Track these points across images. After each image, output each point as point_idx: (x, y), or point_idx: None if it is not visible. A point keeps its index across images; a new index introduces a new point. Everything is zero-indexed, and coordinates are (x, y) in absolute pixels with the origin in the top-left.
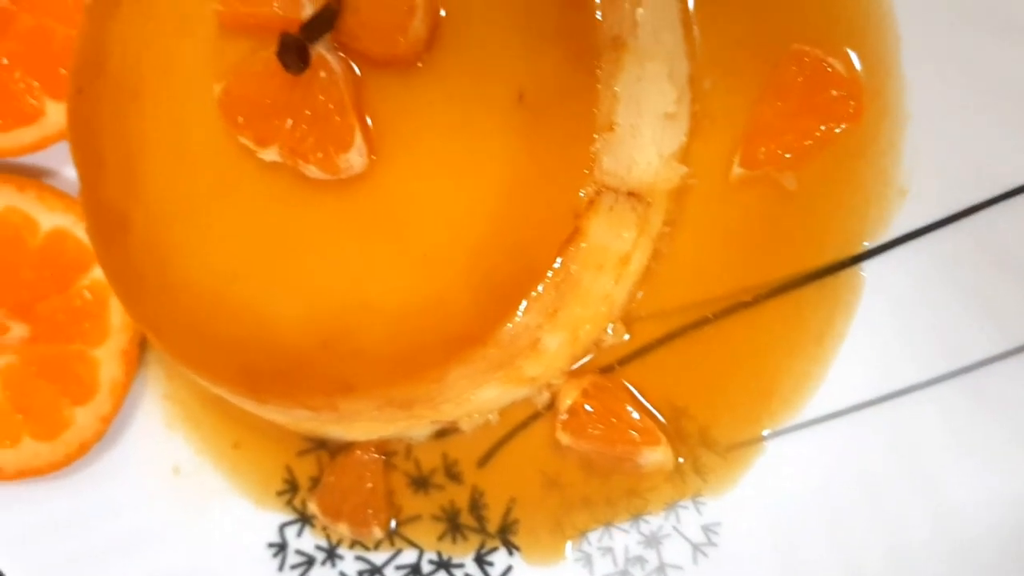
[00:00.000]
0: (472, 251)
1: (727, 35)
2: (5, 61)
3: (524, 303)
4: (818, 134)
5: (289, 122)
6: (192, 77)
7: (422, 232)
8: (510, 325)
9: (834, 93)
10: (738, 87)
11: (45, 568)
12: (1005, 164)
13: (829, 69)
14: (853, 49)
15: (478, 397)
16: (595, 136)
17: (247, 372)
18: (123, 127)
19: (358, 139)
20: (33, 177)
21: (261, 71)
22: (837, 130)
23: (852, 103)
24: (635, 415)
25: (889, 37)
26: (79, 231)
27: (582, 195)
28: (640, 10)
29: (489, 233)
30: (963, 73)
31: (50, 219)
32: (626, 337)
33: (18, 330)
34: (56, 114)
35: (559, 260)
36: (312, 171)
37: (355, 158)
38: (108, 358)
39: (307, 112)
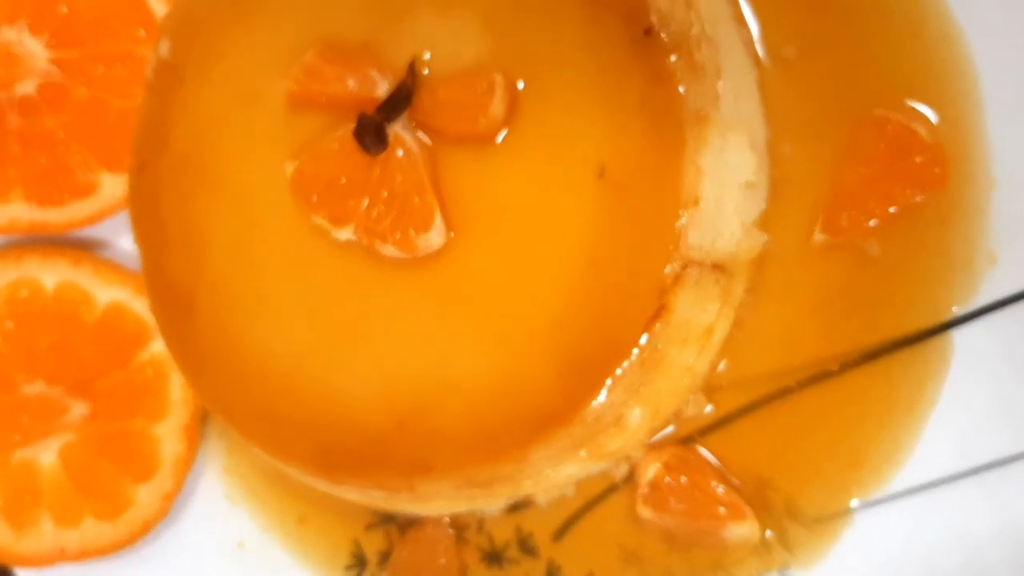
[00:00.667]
0: (554, 328)
1: (805, 99)
2: (61, 135)
3: (609, 381)
4: (902, 200)
5: (366, 202)
6: (260, 154)
7: (502, 309)
8: (594, 403)
9: (918, 159)
10: (818, 152)
11: None
12: None
13: (912, 135)
14: (936, 112)
15: (557, 473)
16: (681, 212)
17: (321, 452)
18: (188, 204)
19: (437, 220)
20: (87, 249)
21: (337, 150)
22: (921, 197)
23: (937, 169)
24: (719, 489)
25: (973, 100)
26: (136, 304)
27: (667, 271)
28: (721, 82)
29: (571, 310)
30: None
31: (107, 293)
32: (708, 408)
33: (78, 409)
34: (111, 187)
35: (645, 337)
36: (389, 250)
37: (434, 237)
38: (169, 434)
39: (384, 193)
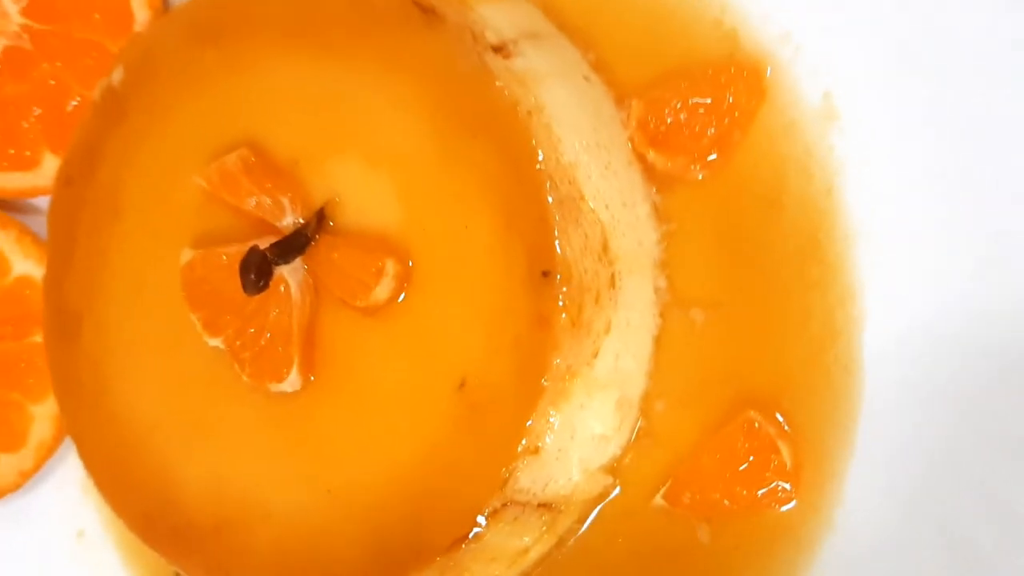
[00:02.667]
0: (371, 509)
1: (694, 369)
2: (15, 103)
3: None
4: (744, 504)
5: (236, 326)
6: (170, 221)
7: (334, 467)
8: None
9: (770, 476)
10: (688, 421)
11: None
12: None
13: (775, 452)
14: (808, 442)
15: None
16: (516, 462)
17: (144, 517)
18: (98, 235)
19: (292, 374)
20: (21, 216)
21: (226, 264)
22: (767, 504)
23: (788, 492)
24: None
25: (843, 451)
26: None
27: (482, 518)
28: (607, 339)
29: (393, 499)
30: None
31: (23, 265)
32: None
33: None
34: (52, 167)
35: (446, 555)
36: (245, 378)
37: (285, 387)
38: (42, 417)
39: (252, 329)
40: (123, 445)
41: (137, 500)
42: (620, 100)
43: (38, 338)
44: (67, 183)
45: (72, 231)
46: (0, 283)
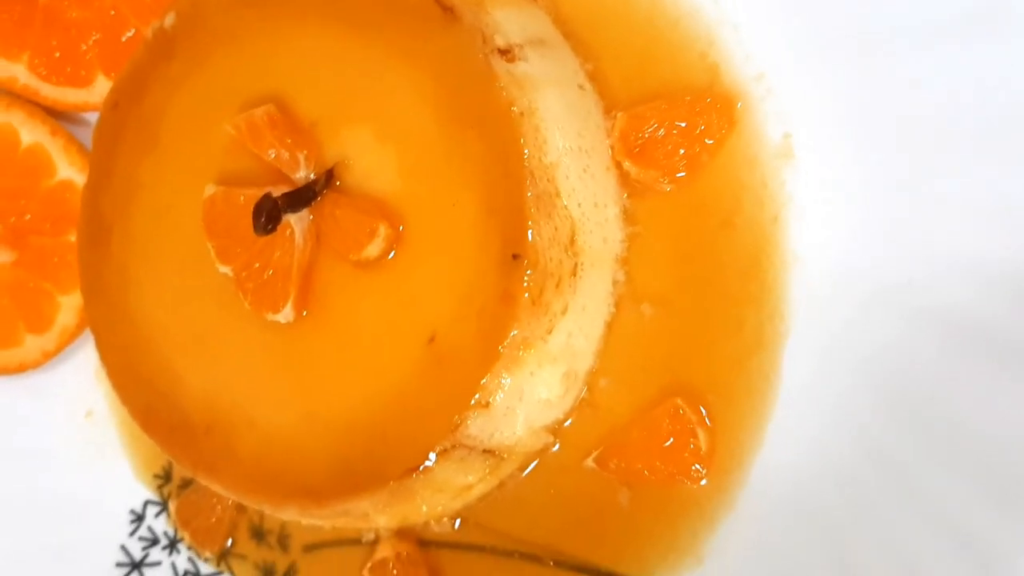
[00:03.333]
0: (341, 432)
1: (637, 354)
2: (77, 27)
3: (361, 498)
4: (660, 476)
5: (244, 259)
6: (199, 157)
7: (315, 387)
8: (344, 506)
9: (687, 456)
10: (626, 398)
11: None
12: None
13: (693, 436)
14: (724, 432)
15: (311, 521)
16: (468, 413)
17: (146, 410)
18: (135, 159)
19: (288, 308)
20: (71, 126)
21: (242, 203)
22: (680, 479)
23: (700, 472)
24: None
25: (753, 445)
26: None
27: (432, 455)
28: (563, 320)
29: (359, 428)
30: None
31: (67, 171)
32: (455, 527)
33: (4, 255)
34: (103, 88)
35: (399, 480)
36: (246, 305)
37: (280, 318)
38: (69, 307)
39: (256, 264)
40: (134, 343)
41: (141, 393)
42: (608, 110)
43: (72, 238)
44: (114, 106)
45: (113, 150)
46: (45, 184)
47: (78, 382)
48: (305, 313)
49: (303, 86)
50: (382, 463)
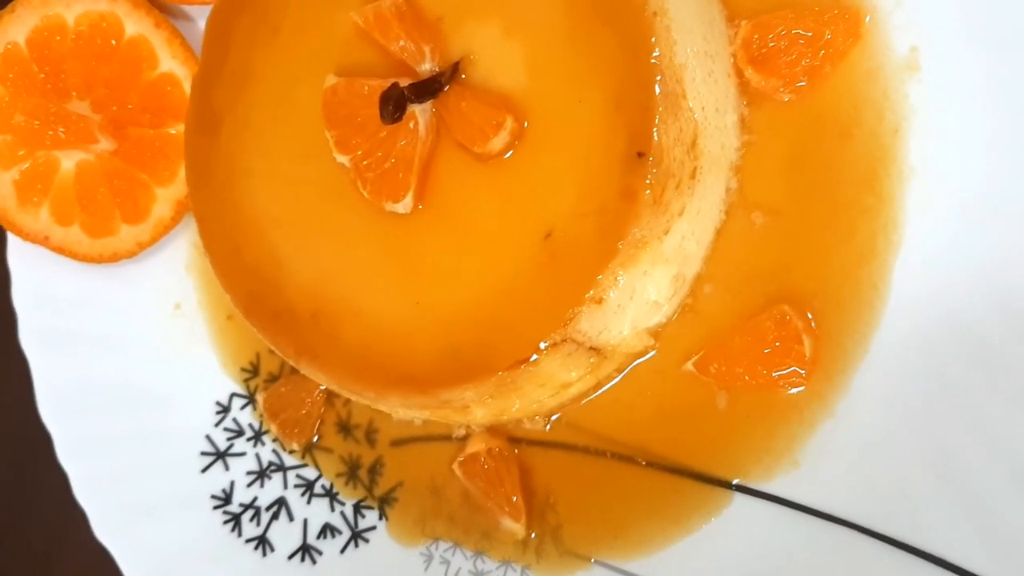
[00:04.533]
0: (451, 323)
1: (745, 261)
2: None
3: (467, 387)
4: (762, 381)
5: (365, 149)
6: (319, 48)
7: (424, 280)
8: (448, 394)
9: (790, 363)
10: (730, 305)
11: (40, 318)
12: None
13: (799, 342)
14: (829, 340)
15: (409, 412)
16: (581, 307)
17: (250, 296)
18: (251, 48)
19: (408, 198)
20: (175, 20)
21: (366, 93)
22: (781, 385)
23: (802, 378)
24: (514, 492)
25: (857, 354)
26: (188, 85)
27: (543, 345)
28: (678, 222)
29: (470, 319)
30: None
31: (169, 63)
32: (547, 427)
33: (105, 143)
34: None
35: (507, 371)
36: (363, 193)
37: (400, 208)
38: (165, 199)
39: (379, 153)
40: (242, 231)
41: (245, 280)
42: (731, 18)
43: (172, 130)
44: None
45: (227, 39)
46: (147, 76)
47: (168, 274)
48: (421, 206)
49: None
50: (491, 353)
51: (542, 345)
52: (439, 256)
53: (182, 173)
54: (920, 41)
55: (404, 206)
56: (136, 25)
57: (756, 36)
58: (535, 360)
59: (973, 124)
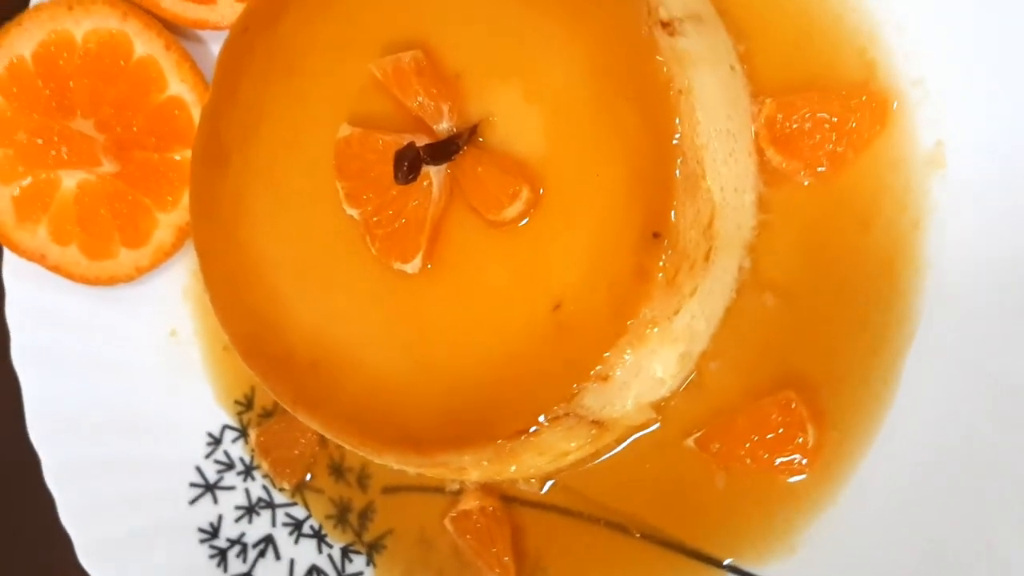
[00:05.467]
0: (453, 386)
1: (754, 343)
2: None
3: (464, 452)
4: (763, 466)
5: (376, 204)
6: (333, 94)
7: (428, 340)
8: (444, 457)
9: (793, 451)
10: (735, 384)
11: (33, 337)
12: None
13: (802, 430)
14: (833, 431)
15: (406, 468)
16: (587, 383)
17: (248, 337)
18: (264, 85)
19: (417, 259)
20: (186, 42)
21: (380, 149)
22: (782, 471)
23: (803, 467)
24: (505, 553)
25: (861, 447)
26: (195, 110)
27: (546, 418)
28: (690, 302)
29: (473, 384)
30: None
31: (178, 87)
32: (542, 490)
33: (109, 165)
34: (225, 7)
35: (506, 440)
36: (372, 250)
37: (408, 268)
38: (167, 225)
39: (390, 212)
40: (245, 271)
41: (246, 322)
42: (755, 94)
43: (177, 156)
44: (244, 31)
45: (239, 74)
46: (155, 98)
47: (166, 299)
48: (430, 266)
49: (451, 35)
50: (492, 421)
51: (542, 418)
52: (445, 317)
53: (185, 199)
54: (947, 136)
55: (413, 267)
56: (146, 46)
57: (780, 116)
58: (535, 431)
59: (994, 224)
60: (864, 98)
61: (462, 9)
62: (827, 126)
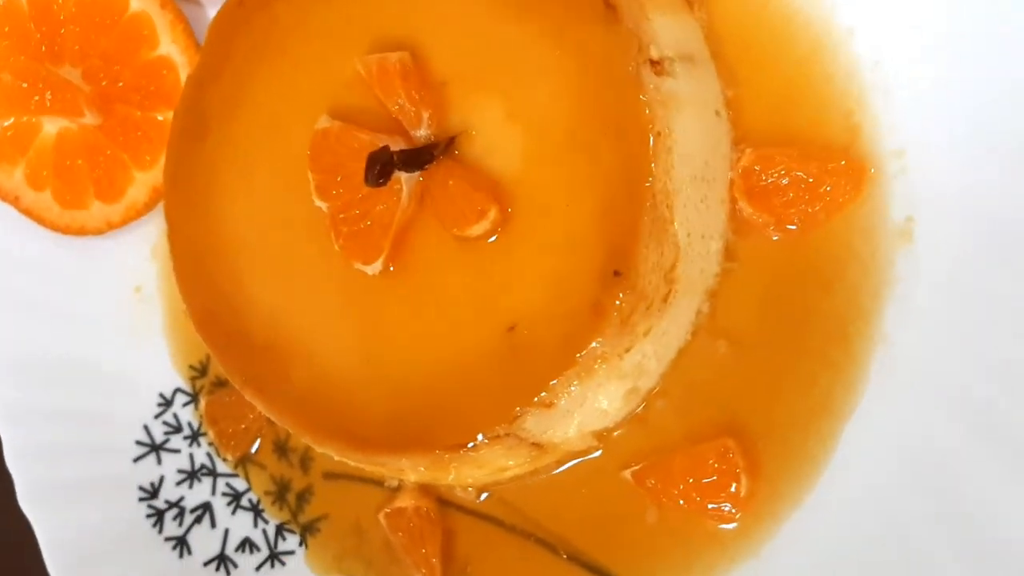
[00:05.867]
0: (399, 390)
1: (701, 386)
2: None
3: (403, 457)
4: (694, 508)
5: (344, 200)
6: (319, 83)
7: (381, 342)
8: (383, 459)
9: (724, 497)
10: (678, 424)
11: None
12: None
13: (735, 483)
14: (767, 484)
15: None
16: (530, 408)
17: (207, 313)
18: (251, 63)
19: (379, 262)
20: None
21: (356, 148)
22: (712, 516)
23: (732, 516)
24: (433, 555)
25: (791, 503)
26: (183, 72)
27: (486, 437)
28: (642, 343)
29: (420, 390)
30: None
31: (169, 46)
32: (479, 499)
33: (91, 117)
34: None
35: (445, 451)
36: (335, 246)
37: (368, 269)
38: (142, 183)
39: (357, 211)
40: (210, 245)
41: (205, 295)
42: (737, 141)
43: (160, 116)
44: (239, 4)
45: (229, 48)
46: (144, 55)
47: (134, 255)
48: (392, 268)
49: (440, 42)
50: (432, 431)
51: (481, 437)
52: (400, 322)
53: (163, 161)
54: (918, 214)
55: (373, 269)
56: (142, 2)
57: (758, 167)
58: (473, 447)
59: (954, 306)
60: (843, 163)
61: (459, 20)
62: (803, 185)
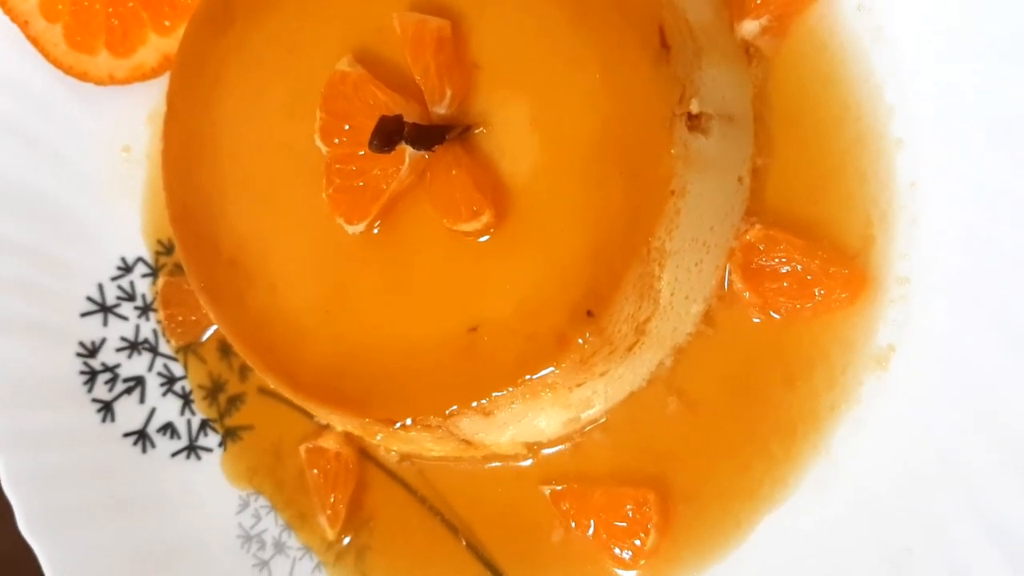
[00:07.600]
0: (345, 351)
1: (641, 436)
2: None
3: (333, 412)
4: (599, 544)
5: (345, 153)
6: (355, 16)
7: (343, 299)
8: (315, 408)
9: (629, 547)
10: (609, 462)
11: None
12: None
13: (643, 535)
14: (674, 546)
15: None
16: (466, 411)
17: (186, 208)
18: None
19: (362, 225)
20: None
21: (371, 103)
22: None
23: (631, 565)
24: (342, 501)
25: (693, 569)
26: None
27: (409, 422)
28: (597, 380)
29: (363, 360)
30: None
31: None
32: (399, 462)
33: None
34: None
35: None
36: (323, 192)
37: (350, 229)
38: (154, 47)
39: (353, 168)
40: (203, 142)
41: (185, 189)
42: (750, 212)
43: None
44: None
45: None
46: None
47: (131, 113)
48: (376, 230)
49: (485, 22)
50: (369, 400)
51: (409, 421)
52: (368, 288)
53: (181, 31)
54: (901, 344)
55: (354, 230)
56: None
57: (762, 246)
58: (403, 427)
59: (905, 453)
60: (846, 271)
61: (511, 7)
62: (799, 280)
